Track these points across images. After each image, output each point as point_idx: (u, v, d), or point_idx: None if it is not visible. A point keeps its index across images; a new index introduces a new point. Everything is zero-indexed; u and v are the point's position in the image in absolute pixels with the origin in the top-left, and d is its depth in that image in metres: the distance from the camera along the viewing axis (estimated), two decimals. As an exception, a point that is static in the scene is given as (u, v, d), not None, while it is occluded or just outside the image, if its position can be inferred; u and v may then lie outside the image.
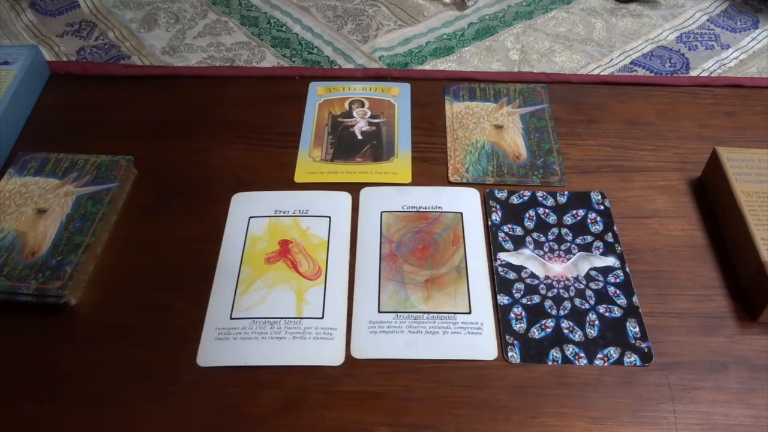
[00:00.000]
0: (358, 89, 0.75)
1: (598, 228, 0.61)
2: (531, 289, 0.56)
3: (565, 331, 0.54)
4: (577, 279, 0.57)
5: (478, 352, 0.52)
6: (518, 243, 0.60)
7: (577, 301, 0.56)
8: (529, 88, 0.75)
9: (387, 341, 0.53)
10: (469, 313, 0.55)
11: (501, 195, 0.64)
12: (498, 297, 0.56)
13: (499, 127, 0.70)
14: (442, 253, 0.59)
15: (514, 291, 0.56)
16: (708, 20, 0.87)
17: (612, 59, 0.81)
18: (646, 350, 0.53)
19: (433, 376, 0.51)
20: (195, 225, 0.61)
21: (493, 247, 0.59)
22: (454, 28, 0.85)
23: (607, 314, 0.55)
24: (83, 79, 0.76)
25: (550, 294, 0.56)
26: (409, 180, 0.65)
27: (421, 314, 0.55)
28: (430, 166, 0.67)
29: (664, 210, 0.63)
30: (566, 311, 0.55)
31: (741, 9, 0.89)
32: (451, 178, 0.65)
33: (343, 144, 0.69)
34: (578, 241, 0.60)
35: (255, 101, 0.73)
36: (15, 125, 0.69)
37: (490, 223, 0.61)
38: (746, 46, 0.83)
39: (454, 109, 0.72)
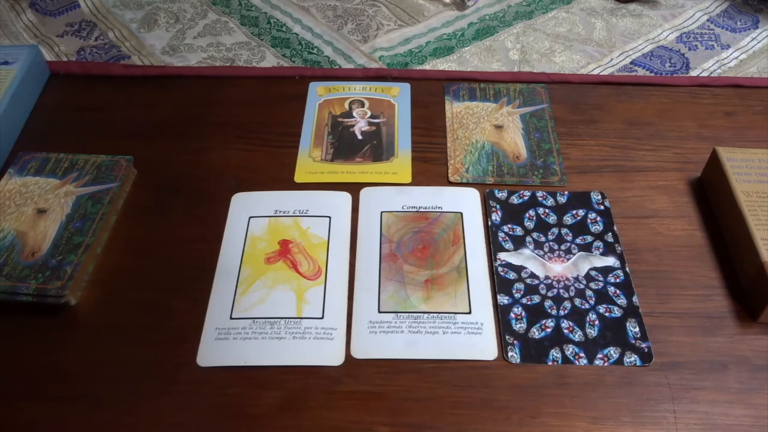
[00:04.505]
0: (358, 89, 0.75)
1: (598, 228, 0.61)
2: (531, 289, 0.56)
3: (565, 331, 0.54)
4: (577, 279, 0.57)
5: (478, 352, 0.52)
6: (518, 243, 0.60)
7: (577, 301, 0.56)
8: (529, 88, 0.75)
9: (387, 341, 0.53)
10: (469, 313, 0.55)
11: (501, 195, 0.64)
12: (498, 297, 0.56)
13: (499, 127, 0.70)
14: (442, 253, 0.59)
15: (514, 291, 0.56)
16: (708, 20, 0.87)
17: (612, 59, 0.81)
18: (646, 350, 0.53)
19: (433, 376, 0.51)
20: (195, 225, 0.61)
21: (493, 247, 0.59)
22: (454, 28, 0.85)
23: (607, 314, 0.55)
24: (83, 79, 0.76)
25: (550, 294, 0.56)
26: (409, 180, 0.65)
27: (421, 314, 0.55)
28: (430, 166, 0.67)
29: (664, 210, 0.63)
30: (566, 311, 0.55)
31: (741, 9, 0.89)
32: (451, 178, 0.65)
33: (343, 144, 0.69)
34: (578, 241, 0.60)
35: (255, 101, 0.73)
36: (15, 125, 0.69)
37: (490, 223, 0.61)
38: (746, 46, 0.83)
39: (454, 109, 0.72)
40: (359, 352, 0.52)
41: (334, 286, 0.57)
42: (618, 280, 0.57)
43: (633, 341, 0.53)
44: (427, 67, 0.80)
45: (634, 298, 0.56)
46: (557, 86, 0.75)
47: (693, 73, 0.79)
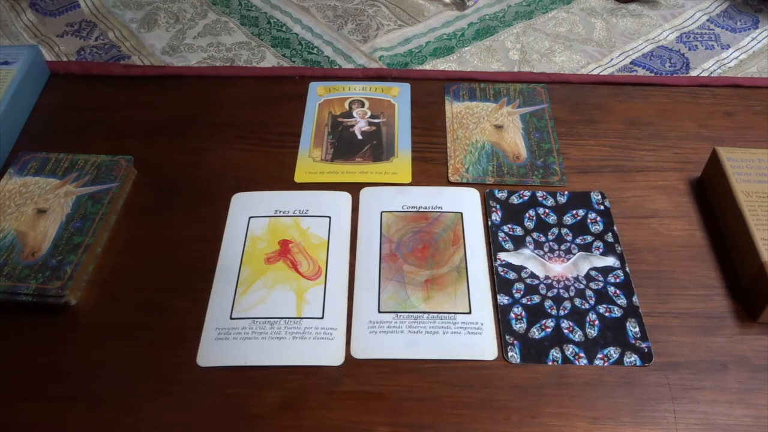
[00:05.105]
0: (358, 89, 0.75)
1: (598, 228, 0.61)
2: (531, 289, 0.56)
3: (565, 331, 0.54)
4: (577, 279, 0.57)
5: (478, 352, 0.52)
6: (518, 243, 0.60)
7: (577, 301, 0.56)
8: (529, 88, 0.75)
9: (387, 341, 0.53)
10: (469, 313, 0.55)
11: (501, 195, 0.64)
12: (498, 297, 0.56)
13: (499, 127, 0.70)
14: (442, 253, 0.59)
15: (514, 291, 0.56)
16: (708, 20, 0.87)
17: (612, 59, 0.81)
18: (646, 350, 0.53)
19: (433, 376, 0.51)
20: (195, 225, 0.61)
21: (493, 247, 0.59)
22: (454, 28, 0.85)
23: (607, 314, 0.55)
24: (83, 79, 0.76)
25: (550, 294, 0.56)
26: (409, 180, 0.65)
27: (421, 314, 0.55)
28: (430, 166, 0.67)
29: (664, 210, 0.63)
30: (566, 311, 0.55)
31: (741, 9, 0.89)
32: (451, 178, 0.65)
33: (343, 144, 0.69)
34: (578, 241, 0.60)
35: (255, 101, 0.73)
36: (15, 125, 0.69)
37: (490, 223, 0.61)
38: (746, 46, 0.83)
39: (454, 109, 0.72)
40: (359, 352, 0.52)
41: (334, 286, 0.57)
42: (618, 280, 0.57)
43: (633, 341, 0.53)
44: (427, 67, 0.80)
45: (634, 298, 0.56)
46: (557, 86, 0.75)
47: (693, 73, 0.79)
